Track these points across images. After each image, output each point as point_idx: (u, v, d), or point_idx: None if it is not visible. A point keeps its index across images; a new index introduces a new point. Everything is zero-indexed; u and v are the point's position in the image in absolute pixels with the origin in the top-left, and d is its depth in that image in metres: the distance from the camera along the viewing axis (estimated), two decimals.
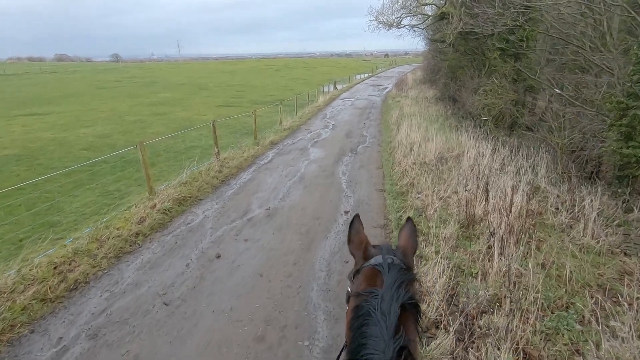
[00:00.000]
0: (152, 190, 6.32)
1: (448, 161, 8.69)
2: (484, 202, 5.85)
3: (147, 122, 15.57)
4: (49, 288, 3.87)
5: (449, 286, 3.88)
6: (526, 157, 8.64)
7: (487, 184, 6.19)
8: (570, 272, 4.28)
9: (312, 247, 4.94)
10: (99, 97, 25.43)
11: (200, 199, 6.66)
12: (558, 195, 6.74)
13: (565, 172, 7.82)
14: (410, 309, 1.02)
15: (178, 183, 6.96)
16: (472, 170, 7.58)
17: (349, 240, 1.30)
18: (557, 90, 8.42)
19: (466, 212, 5.65)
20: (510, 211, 5.07)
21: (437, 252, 4.52)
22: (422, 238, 5.04)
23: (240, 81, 39.24)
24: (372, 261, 1.16)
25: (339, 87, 31.22)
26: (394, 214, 5.87)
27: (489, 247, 4.86)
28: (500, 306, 3.70)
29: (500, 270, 4.23)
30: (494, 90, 11.78)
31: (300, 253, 4.77)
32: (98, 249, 4.67)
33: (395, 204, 6.32)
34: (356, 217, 1.33)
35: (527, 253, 4.66)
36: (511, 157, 8.84)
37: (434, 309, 3.48)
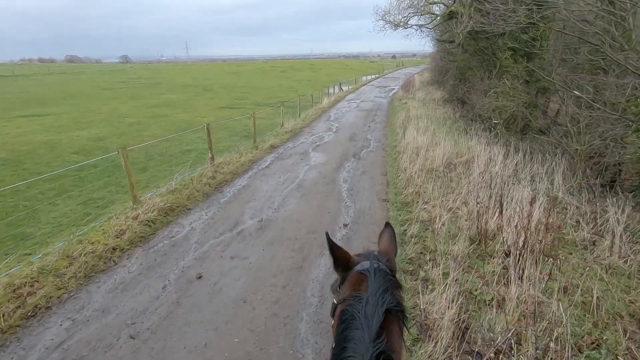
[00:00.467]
0: (136, 199, 5.86)
1: (457, 167, 8.13)
2: (497, 215, 5.31)
3: (146, 124, 15.16)
4: (2, 315, 3.41)
5: (459, 318, 3.35)
6: (541, 162, 8.06)
7: (501, 195, 5.64)
8: (598, 298, 3.74)
9: (305, 266, 4.43)
10: (102, 98, 25.16)
11: (189, 209, 6.19)
12: (577, 207, 6.17)
13: (584, 180, 7.23)
14: (396, 314, 1.00)
15: (166, 191, 6.50)
16: (483, 177, 7.04)
17: (336, 265, 1.23)
18: (575, 92, 7.83)
19: (477, 226, 5.11)
20: (529, 228, 4.51)
21: (445, 274, 3.99)
22: (428, 257, 4.51)
23: (246, 83, 38.84)
24: (359, 267, 1.14)
25: (345, 88, 30.67)
26: (398, 228, 5.33)
27: (505, 268, 4.32)
28: (520, 344, 3.17)
29: (518, 298, 3.70)
30: (505, 92, 11.18)
31: (291, 274, 4.26)
32: (67, 267, 4.21)
33: (400, 215, 5.79)
34: (328, 239, 1.23)
35: (549, 275, 4.11)
36: (524, 163, 8.27)
37: (442, 349, 2.95)
